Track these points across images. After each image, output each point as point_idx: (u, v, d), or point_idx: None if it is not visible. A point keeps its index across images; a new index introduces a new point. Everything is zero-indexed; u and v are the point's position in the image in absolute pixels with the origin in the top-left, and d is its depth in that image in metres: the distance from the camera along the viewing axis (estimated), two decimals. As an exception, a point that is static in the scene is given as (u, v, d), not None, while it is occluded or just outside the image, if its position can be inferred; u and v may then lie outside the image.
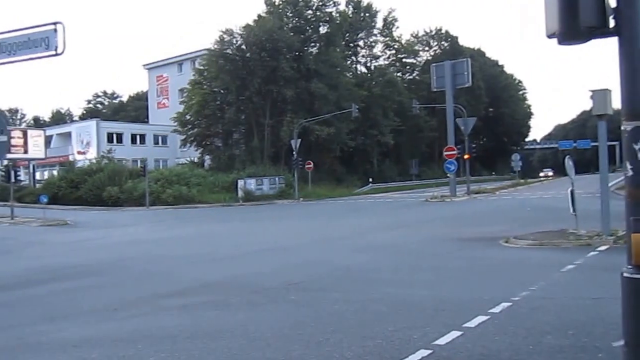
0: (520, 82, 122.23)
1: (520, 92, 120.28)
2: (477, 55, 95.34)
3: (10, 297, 12.32)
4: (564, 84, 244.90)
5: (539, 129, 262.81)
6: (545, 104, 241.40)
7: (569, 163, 18.14)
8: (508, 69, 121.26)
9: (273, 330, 8.32)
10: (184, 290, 12.24)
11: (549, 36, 4.23)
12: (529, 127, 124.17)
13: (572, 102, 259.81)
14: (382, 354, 7.00)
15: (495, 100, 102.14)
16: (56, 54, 5.67)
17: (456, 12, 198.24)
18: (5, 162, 45.61)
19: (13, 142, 51.59)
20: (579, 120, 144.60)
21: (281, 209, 43.28)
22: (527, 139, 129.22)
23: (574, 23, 3.99)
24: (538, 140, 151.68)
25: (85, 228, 32.84)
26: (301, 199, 51.70)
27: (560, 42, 4.18)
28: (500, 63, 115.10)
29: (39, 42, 5.79)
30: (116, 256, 19.34)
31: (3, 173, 41.90)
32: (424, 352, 6.90)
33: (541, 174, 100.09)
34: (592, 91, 16.32)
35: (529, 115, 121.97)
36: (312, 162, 56.90)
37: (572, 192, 17.36)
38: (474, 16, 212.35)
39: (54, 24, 5.68)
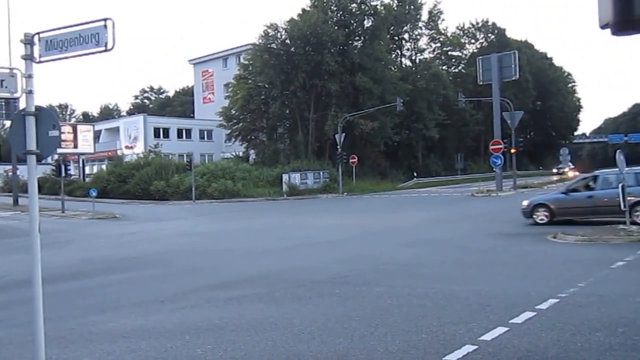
0: (569, 74, 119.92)
1: (570, 85, 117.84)
2: (525, 48, 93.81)
3: (62, 288, 12.60)
4: (615, 76, 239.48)
5: (588, 123, 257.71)
6: (596, 97, 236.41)
7: (619, 157, 17.73)
8: (557, 62, 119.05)
9: (318, 324, 8.36)
10: (229, 283, 12.38)
11: (602, 27, 4.14)
12: (578, 121, 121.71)
13: (624, 94, 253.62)
14: (426, 348, 6.98)
15: (543, 93, 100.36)
16: (106, 50, 5.74)
17: (503, 3, 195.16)
18: (56, 157, 46.63)
19: (63, 137, 52.87)
20: (631, 113, 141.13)
21: (325, 203, 43.33)
22: (576, 133, 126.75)
23: (628, 13, 3.89)
24: (587, 134, 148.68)
25: (133, 221, 33.41)
26: (345, 193, 51.64)
27: (614, 33, 4.08)
28: (549, 55, 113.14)
29: (89, 39, 5.85)
30: (163, 249, 19.64)
31: (54, 167, 42.86)
32: (470, 348, 6.86)
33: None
34: (644, 83, 15.90)
35: (578, 108, 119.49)
36: (356, 157, 56.78)
37: (623, 187, 16.97)
38: (522, 7, 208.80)
39: (104, 20, 5.73)
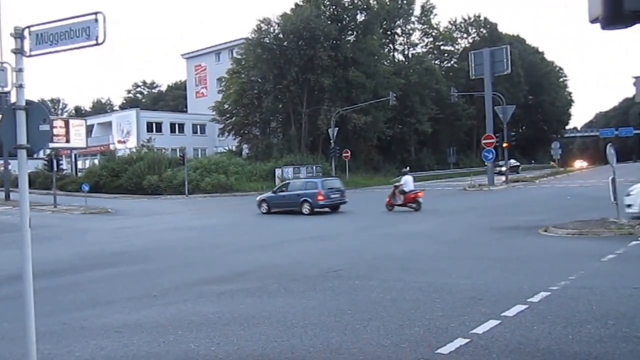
0: (561, 69, 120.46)
1: (561, 80, 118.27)
2: (517, 42, 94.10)
3: (53, 283, 12.59)
4: (606, 70, 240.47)
5: (579, 117, 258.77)
6: (587, 92, 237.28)
7: (610, 151, 17.80)
8: (549, 56, 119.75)
9: (311, 318, 8.37)
10: (222, 278, 12.39)
11: (592, 21, 4.14)
12: (569, 115, 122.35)
13: (615, 89, 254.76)
14: (419, 342, 7.01)
15: (535, 87, 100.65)
16: (97, 44, 5.71)
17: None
18: (48, 152, 46.47)
19: (55, 131, 52.62)
20: (621, 107, 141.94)
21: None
22: (567, 127, 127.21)
23: (618, 7, 3.90)
24: (579, 128, 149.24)
25: (125, 216, 33.35)
26: (338, 187, 51.60)
27: (603, 27, 4.09)
28: (540, 50, 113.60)
29: (80, 32, 5.83)
30: (156, 244, 19.64)
31: (46, 162, 42.69)
32: (462, 341, 6.89)
33: (576, 164, 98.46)
34: (636, 77, 15.99)
35: (569, 102, 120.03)
36: (349, 151, 56.83)
37: (613, 181, 17.03)
38: (514, 2, 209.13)
39: (95, 14, 5.72)
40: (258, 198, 31.89)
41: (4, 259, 17.17)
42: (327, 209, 29.17)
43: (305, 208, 28.61)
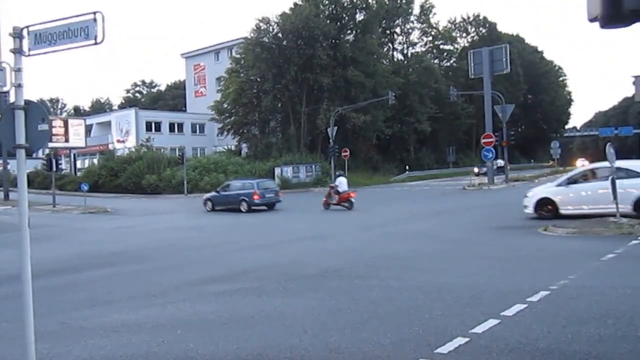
0: (560, 68, 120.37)
1: (560, 79, 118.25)
2: (516, 42, 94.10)
3: (52, 283, 12.58)
4: (605, 70, 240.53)
5: (579, 116, 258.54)
6: (586, 91, 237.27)
7: (610, 150, 17.78)
8: (548, 55, 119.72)
9: (309, 317, 8.37)
10: (221, 277, 12.38)
11: (591, 20, 4.14)
12: (568, 114, 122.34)
13: (614, 88, 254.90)
14: (418, 341, 7.00)
15: (535, 87, 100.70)
16: (95, 43, 5.70)
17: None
18: (47, 151, 46.43)
19: (54, 131, 52.66)
20: (621, 107, 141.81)
21: (317, 197, 43.27)
22: (566, 126, 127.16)
23: (617, 6, 3.90)
24: (578, 128, 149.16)
25: (125, 215, 33.34)
26: (338, 186, 51.60)
27: (602, 26, 4.09)
28: (539, 49, 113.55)
29: (78, 32, 5.82)
30: (155, 243, 19.62)
31: (45, 162, 42.64)
32: (461, 340, 6.88)
33: (578, 163, 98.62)
34: (635, 77, 15.99)
35: (569, 102, 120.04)
36: (348, 150, 56.80)
37: (613, 180, 17.02)
38: (513, 2, 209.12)
39: (93, 13, 5.71)
40: (204, 197, 35.46)
41: (3, 258, 17.13)
42: (264, 207, 32.73)
43: (243, 206, 32.09)
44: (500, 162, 61.46)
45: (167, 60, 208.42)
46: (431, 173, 69.20)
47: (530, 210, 20.63)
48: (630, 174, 18.87)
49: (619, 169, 18.12)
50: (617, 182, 17.16)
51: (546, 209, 20.25)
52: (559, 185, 20.74)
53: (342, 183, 30.19)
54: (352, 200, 29.68)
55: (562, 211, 19.87)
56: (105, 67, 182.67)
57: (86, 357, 7.14)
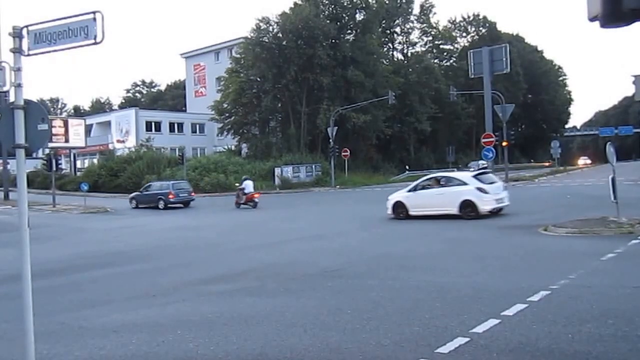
0: (560, 68, 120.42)
1: (560, 78, 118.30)
2: (516, 41, 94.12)
3: (53, 283, 12.58)
4: (605, 69, 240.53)
5: (579, 116, 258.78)
6: (586, 90, 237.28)
7: (610, 150, 17.79)
8: (548, 55, 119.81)
9: (310, 317, 8.36)
10: (221, 277, 12.38)
11: (591, 19, 4.13)
12: (568, 114, 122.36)
13: (614, 87, 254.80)
14: (418, 341, 6.99)
15: (534, 86, 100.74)
16: (95, 43, 5.70)
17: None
18: (47, 151, 46.42)
19: (54, 131, 52.63)
20: (621, 106, 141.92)
21: (318, 197, 43.35)
22: (567, 126, 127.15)
23: (617, 5, 3.89)
24: (578, 127, 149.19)
25: (124, 215, 33.36)
26: (337, 186, 51.65)
27: (602, 25, 4.07)
28: (539, 49, 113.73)
29: (78, 31, 5.81)
30: (154, 243, 19.63)
31: (45, 161, 42.64)
32: (462, 340, 6.87)
33: (580, 162, 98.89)
34: (635, 76, 15.97)
35: (569, 101, 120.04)
36: (348, 150, 56.82)
37: (613, 180, 17.02)
38: (513, 1, 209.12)
39: (93, 13, 5.70)
40: (130, 196, 40.98)
41: (3, 258, 17.13)
42: (180, 205, 37.52)
43: (161, 204, 37.12)
44: (483, 163, 61.56)
45: (167, 60, 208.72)
46: (431, 173, 69.08)
47: (390, 211, 23.64)
48: (457, 182, 22.76)
49: (449, 178, 23.75)
50: (447, 189, 22.47)
51: (400, 210, 23.31)
52: (409, 191, 23.85)
53: (248, 185, 34.87)
54: (256, 200, 34.01)
55: (412, 212, 22.99)
56: (105, 67, 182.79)
57: (86, 357, 7.14)
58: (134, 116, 71.80)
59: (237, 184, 37.29)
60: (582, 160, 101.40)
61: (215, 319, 8.56)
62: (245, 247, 17.61)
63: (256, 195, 34.45)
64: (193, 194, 39.31)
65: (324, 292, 10.19)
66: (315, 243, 17.83)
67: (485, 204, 21.57)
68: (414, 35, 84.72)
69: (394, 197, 23.99)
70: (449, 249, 15.09)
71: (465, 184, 22.22)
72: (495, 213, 22.01)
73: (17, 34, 5.95)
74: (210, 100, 69.70)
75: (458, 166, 74.51)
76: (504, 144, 45.97)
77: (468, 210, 21.52)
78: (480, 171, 25.29)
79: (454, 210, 21.72)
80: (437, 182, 23.74)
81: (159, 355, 7.04)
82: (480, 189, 21.69)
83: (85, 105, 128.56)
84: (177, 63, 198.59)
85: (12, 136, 5.95)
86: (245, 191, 34.29)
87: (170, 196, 36.91)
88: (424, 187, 23.68)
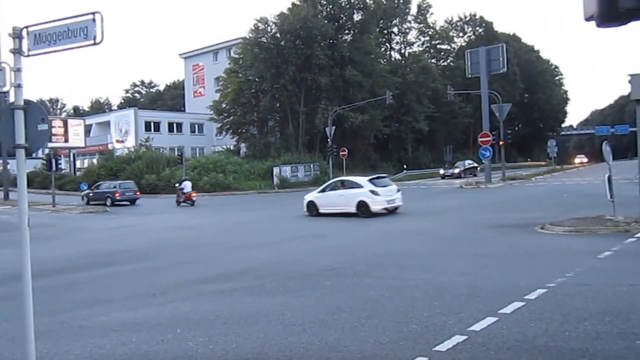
0: (556, 67, 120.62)
1: (557, 78, 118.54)
2: (513, 41, 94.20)
3: (52, 282, 12.58)
4: (601, 68, 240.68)
5: (575, 115, 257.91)
6: (582, 89, 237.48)
7: (606, 149, 17.85)
8: (544, 54, 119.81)
9: (309, 316, 8.40)
10: (220, 276, 12.40)
11: (587, 19, 4.17)
12: (565, 113, 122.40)
13: (610, 87, 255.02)
14: (417, 339, 7.03)
15: (531, 86, 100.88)
16: (95, 44, 5.72)
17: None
18: (47, 151, 46.43)
19: (54, 131, 52.68)
20: (617, 105, 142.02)
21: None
22: (563, 125, 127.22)
23: (612, 5, 3.93)
24: (574, 126, 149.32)
25: (124, 215, 33.33)
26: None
27: (598, 25, 4.11)
28: (536, 48, 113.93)
29: (78, 32, 5.84)
30: (154, 243, 19.63)
31: (44, 161, 42.64)
32: (459, 338, 6.91)
33: (576, 160, 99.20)
34: (631, 75, 15.99)
35: (565, 100, 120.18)
36: (346, 149, 56.79)
37: (609, 178, 17.08)
38: (509, 1, 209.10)
39: (93, 13, 5.74)
40: (82, 193, 43.60)
41: (3, 258, 17.13)
42: (126, 203, 41.40)
43: (108, 201, 40.75)
44: (469, 163, 61.70)
45: (166, 61, 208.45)
46: (428, 172, 69.12)
47: (305, 209, 26.72)
48: (355, 185, 25.44)
49: (350, 182, 26.35)
50: (347, 191, 25.32)
51: (312, 209, 26.40)
52: (320, 192, 26.97)
53: (186, 185, 38.28)
54: (194, 199, 37.81)
55: (321, 210, 25.97)
56: (104, 67, 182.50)
57: (86, 356, 7.17)
58: (133, 116, 71.77)
59: (176, 185, 40.62)
60: (579, 159, 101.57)
61: (215, 318, 8.59)
62: (244, 246, 17.52)
63: (193, 195, 38.25)
64: (138, 193, 43.44)
65: (322, 291, 10.22)
66: (314, 242, 17.82)
67: (376, 204, 24.44)
68: (412, 35, 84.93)
69: (308, 197, 27.12)
70: (447, 248, 15.11)
71: (361, 186, 25.03)
72: (391, 212, 25.05)
73: (17, 34, 5.98)
74: (209, 100, 69.73)
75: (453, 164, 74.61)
76: (501, 143, 46.07)
77: (363, 209, 24.40)
78: (376, 176, 27.31)
79: (352, 209, 24.67)
80: (342, 184, 26.61)
81: (159, 354, 7.06)
82: (372, 192, 24.56)
83: (85, 105, 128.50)
84: (176, 63, 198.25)
85: (12, 136, 5.98)
86: (184, 191, 37.83)
87: (117, 194, 40.98)
88: (332, 189, 26.69)
